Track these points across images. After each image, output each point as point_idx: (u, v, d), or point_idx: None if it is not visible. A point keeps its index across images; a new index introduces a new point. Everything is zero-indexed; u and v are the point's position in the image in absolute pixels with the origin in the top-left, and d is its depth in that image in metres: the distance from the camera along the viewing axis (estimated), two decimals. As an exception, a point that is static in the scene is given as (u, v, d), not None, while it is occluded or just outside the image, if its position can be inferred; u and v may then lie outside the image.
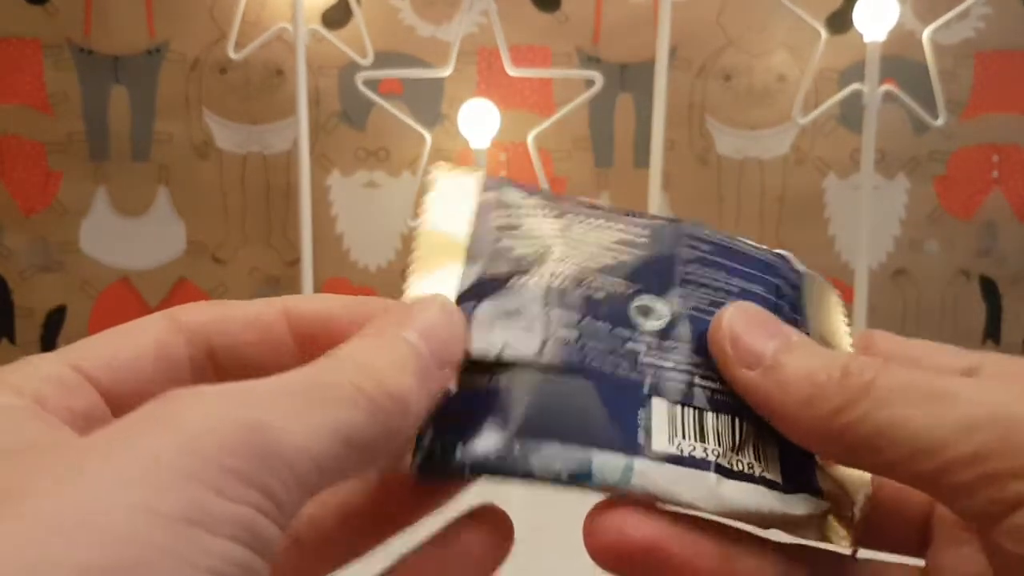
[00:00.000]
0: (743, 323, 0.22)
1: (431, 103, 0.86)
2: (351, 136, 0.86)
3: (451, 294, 0.23)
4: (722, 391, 0.22)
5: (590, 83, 0.78)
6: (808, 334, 0.24)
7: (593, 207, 0.25)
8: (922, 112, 0.78)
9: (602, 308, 0.23)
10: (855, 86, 0.76)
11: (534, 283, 0.23)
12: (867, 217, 0.77)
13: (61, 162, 0.86)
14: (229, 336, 0.21)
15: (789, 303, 0.25)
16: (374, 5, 0.84)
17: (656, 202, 0.78)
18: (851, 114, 0.85)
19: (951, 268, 0.91)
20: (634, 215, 0.25)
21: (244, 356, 0.21)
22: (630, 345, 0.22)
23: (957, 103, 0.88)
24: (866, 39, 0.74)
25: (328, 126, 0.86)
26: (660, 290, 0.24)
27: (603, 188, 0.89)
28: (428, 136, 0.80)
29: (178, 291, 0.88)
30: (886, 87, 0.75)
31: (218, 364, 0.21)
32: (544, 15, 0.87)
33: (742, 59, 0.88)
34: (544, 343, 0.22)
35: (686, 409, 0.22)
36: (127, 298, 0.87)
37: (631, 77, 0.88)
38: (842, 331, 0.26)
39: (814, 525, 0.22)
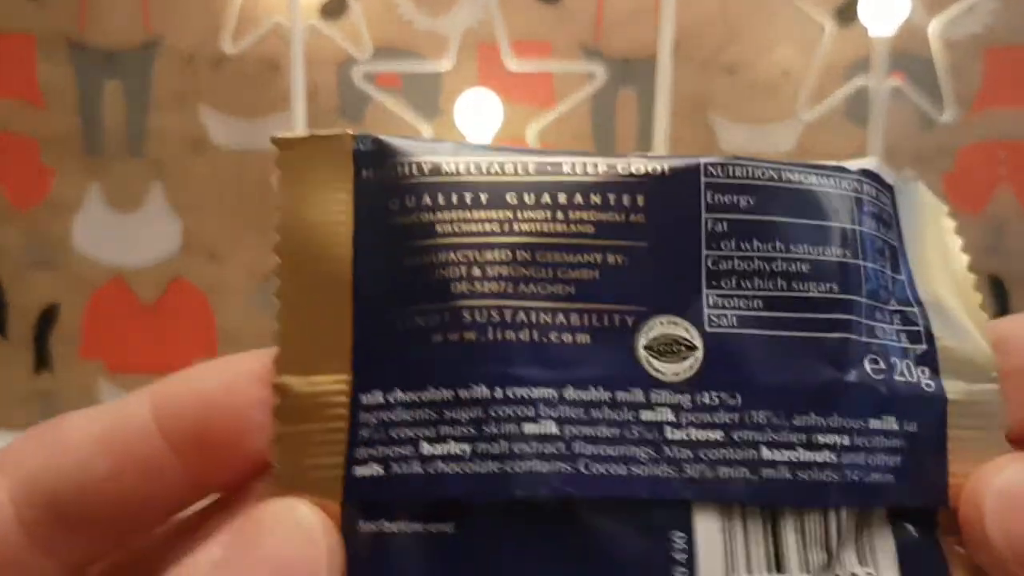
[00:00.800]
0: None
1: (430, 97, 0.85)
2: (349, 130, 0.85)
3: (343, 373, 0.15)
4: (810, 462, 0.14)
5: (592, 78, 0.77)
6: (919, 301, 0.16)
7: (540, 165, 0.15)
8: (929, 107, 0.77)
9: (588, 364, 0.15)
10: (861, 81, 0.75)
11: (469, 340, 0.14)
12: (873, 214, 0.76)
13: (54, 158, 0.85)
14: (73, 478, 0.15)
15: (888, 257, 0.16)
16: (372, -2, 0.84)
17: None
18: (857, 109, 0.84)
19: (957, 266, 0.90)
20: (613, 161, 0.15)
21: (103, 494, 0.15)
22: (647, 415, 0.14)
23: (965, 98, 0.87)
24: (872, 34, 0.73)
25: (325, 121, 0.85)
26: (679, 303, 0.15)
27: (605, 184, 0.88)
28: (427, 131, 0.79)
29: (173, 289, 0.87)
30: (893, 82, 0.73)
31: (68, 513, 0.15)
32: (545, 9, 0.86)
33: (746, 53, 0.87)
34: (504, 462, 0.14)
35: (751, 519, 0.14)
36: (121, 296, 0.86)
37: (633, 71, 0.87)
38: (962, 279, 0.16)
39: None
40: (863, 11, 0.74)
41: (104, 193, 0.85)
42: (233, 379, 0.15)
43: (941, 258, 0.17)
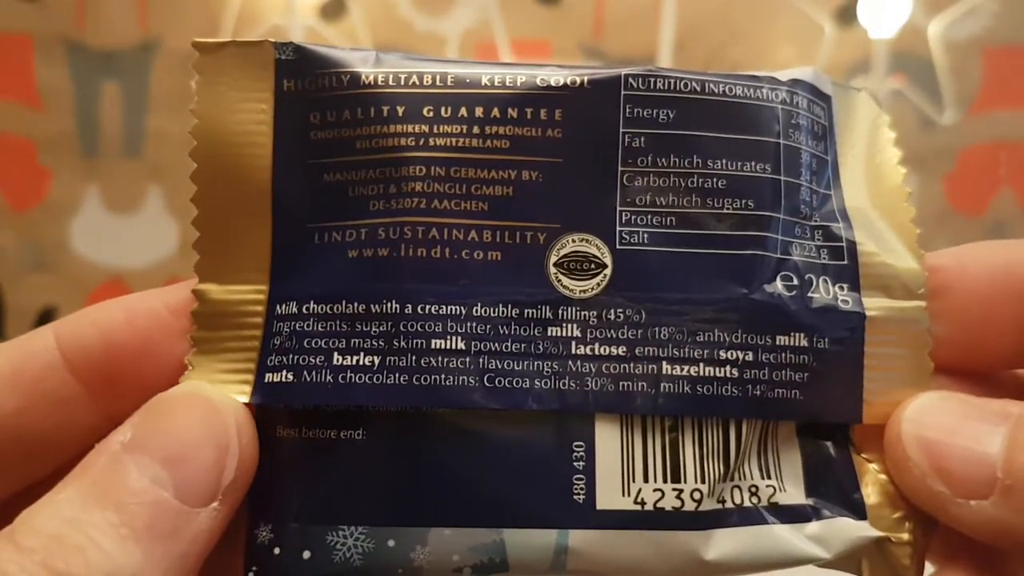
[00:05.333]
0: (941, 437, 0.14)
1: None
2: (348, 133, 0.85)
3: (261, 284, 0.15)
4: (711, 377, 0.14)
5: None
6: (845, 216, 0.16)
7: (459, 77, 0.15)
8: (928, 109, 0.77)
9: (498, 281, 0.15)
10: (861, 82, 0.74)
11: (382, 256, 0.15)
12: (873, 215, 0.76)
13: (52, 159, 0.84)
14: None
15: (815, 170, 0.16)
16: (371, -1, 0.83)
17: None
18: (857, 111, 0.84)
19: (957, 267, 0.90)
20: (533, 72, 0.15)
21: (11, 429, 0.15)
22: (554, 331, 0.14)
23: (966, 100, 0.87)
24: (872, 35, 0.73)
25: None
26: (592, 220, 0.15)
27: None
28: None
29: (171, 291, 0.87)
30: (893, 84, 0.73)
31: None
32: (544, 9, 0.86)
33: (746, 55, 0.87)
34: (412, 375, 0.14)
35: (651, 429, 0.14)
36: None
37: (633, 73, 0.87)
38: (896, 193, 0.16)
39: (856, 562, 0.15)
40: (863, 13, 0.74)
41: (102, 195, 0.85)
42: (135, 312, 0.15)
43: (876, 170, 0.17)
